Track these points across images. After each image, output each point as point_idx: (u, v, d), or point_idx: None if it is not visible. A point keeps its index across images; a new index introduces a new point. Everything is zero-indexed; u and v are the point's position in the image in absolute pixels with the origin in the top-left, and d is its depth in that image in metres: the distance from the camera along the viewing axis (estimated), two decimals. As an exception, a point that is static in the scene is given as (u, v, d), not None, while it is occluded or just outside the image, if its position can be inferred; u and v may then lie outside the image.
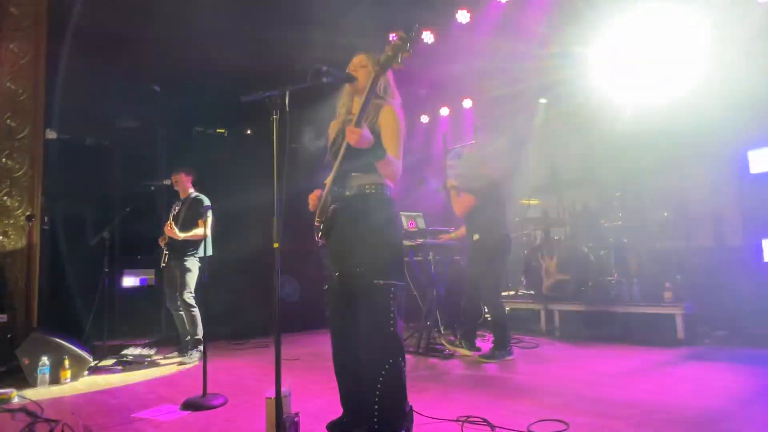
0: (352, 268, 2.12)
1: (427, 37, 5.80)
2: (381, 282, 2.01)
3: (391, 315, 2.02)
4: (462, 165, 4.12)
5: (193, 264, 4.36)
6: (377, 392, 1.97)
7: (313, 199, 2.28)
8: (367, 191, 2.13)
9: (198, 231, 4.31)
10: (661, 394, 2.74)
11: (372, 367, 2.00)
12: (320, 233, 2.26)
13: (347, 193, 2.15)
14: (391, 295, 2.03)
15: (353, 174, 2.14)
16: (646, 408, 2.48)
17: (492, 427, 2.26)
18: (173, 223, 4.30)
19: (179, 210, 4.51)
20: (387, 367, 1.98)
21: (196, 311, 4.28)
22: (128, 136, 5.78)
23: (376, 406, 1.97)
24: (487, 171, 4.02)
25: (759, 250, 4.30)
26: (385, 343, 2.01)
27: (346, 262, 2.15)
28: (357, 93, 2.24)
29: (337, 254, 2.19)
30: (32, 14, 4.89)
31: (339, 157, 2.11)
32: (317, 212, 2.27)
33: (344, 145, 2.09)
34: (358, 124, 1.96)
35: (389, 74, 2.26)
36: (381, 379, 1.97)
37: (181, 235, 4.28)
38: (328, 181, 2.21)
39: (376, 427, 1.98)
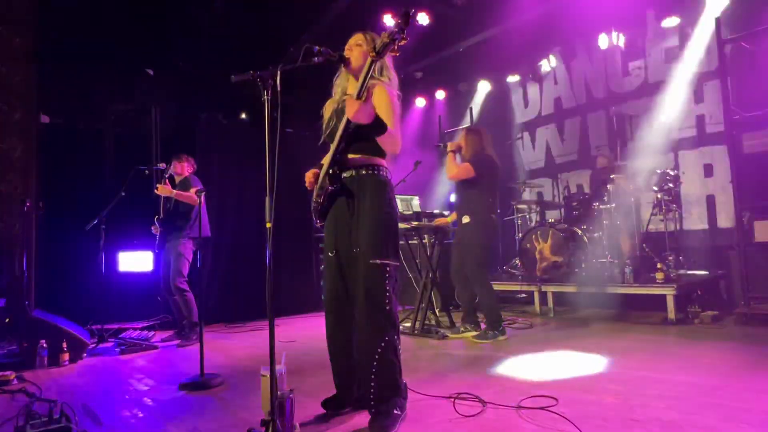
0: (350, 248, 2.17)
1: (423, 18, 5.75)
2: (378, 262, 2.07)
3: (387, 294, 2.08)
4: (467, 140, 4.04)
5: (186, 247, 4.36)
6: (373, 368, 2.03)
7: (309, 177, 2.31)
8: (364, 173, 2.16)
9: (190, 194, 4.28)
10: (651, 371, 2.80)
11: (368, 344, 2.05)
12: (317, 214, 2.30)
13: (345, 174, 2.18)
14: (387, 275, 2.09)
15: (350, 156, 2.16)
16: (635, 384, 2.54)
17: (483, 403, 2.31)
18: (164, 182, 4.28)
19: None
20: (383, 344, 2.04)
21: (190, 294, 4.30)
22: (122, 119, 5.75)
23: (372, 383, 2.03)
24: (489, 152, 4.03)
25: (750, 231, 4.34)
26: (382, 321, 2.06)
27: (343, 242, 2.20)
28: (352, 73, 2.24)
29: (334, 234, 2.23)
30: (22, -5, 4.81)
31: (336, 139, 2.12)
32: (315, 193, 2.30)
33: (342, 127, 2.10)
34: (359, 97, 1.96)
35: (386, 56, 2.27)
36: (376, 356, 2.03)
37: (174, 192, 4.25)
38: (325, 161, 2.22)
39: (372, 402, 2.03)
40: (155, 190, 4.26)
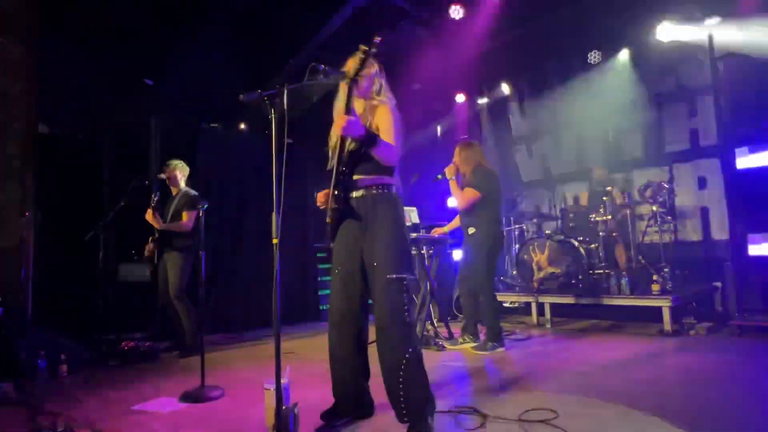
0: (359, 265, 2.22)
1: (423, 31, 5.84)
2: (395, 276, 2.12)
3: (405, 307, 2.13)
4: (462, 157, 4.11)
5: (184, 259, 4.35)
6: (400, 381, 2.06)
7: (321, 198, 2.37)
8: (375, 192, 2.22)
9: (181, 223, 4.31)
10: (648, 383, 2.83)
11: (393, 358, 2.09)
12: (329, 235, 2.35)
13: (355, 195, 2.23)
14: (405, 288, 2.15)
15: (357, 177, 2.22)
16: (632, 396, 2.57)
17: (484, 416, 2.33)
18: (153, 212, 4.27)
19: (171, 204, 4.50)
20: (407, 355, 2.08)
21: (188, 304, 4.29)
22: (121, 130, 5.78)
23: (401, 392, 2.06)
24: (485, 165, 4.08)
25: (744, 244, 4.40)
26: (404, 333, 2.11)
27: (352, 259, 2.25)
28: (360, 95, 2.30)
29: (341, 252, 2.28)
30: (23, 7, 4.85)
31: (335, 159, 2.18)
32: (328, 213, 2.34)
33: (338, 146, 2.16)
34: (347, 112, 2.05)
35: (382, 77, 2.34)
36: (402, 367, 2.06)
37: (163, 226, 4.27)
38: (332, 184, 2.26)
39: (404, 415, 2.06)
40: (147, 215, 4.25)
